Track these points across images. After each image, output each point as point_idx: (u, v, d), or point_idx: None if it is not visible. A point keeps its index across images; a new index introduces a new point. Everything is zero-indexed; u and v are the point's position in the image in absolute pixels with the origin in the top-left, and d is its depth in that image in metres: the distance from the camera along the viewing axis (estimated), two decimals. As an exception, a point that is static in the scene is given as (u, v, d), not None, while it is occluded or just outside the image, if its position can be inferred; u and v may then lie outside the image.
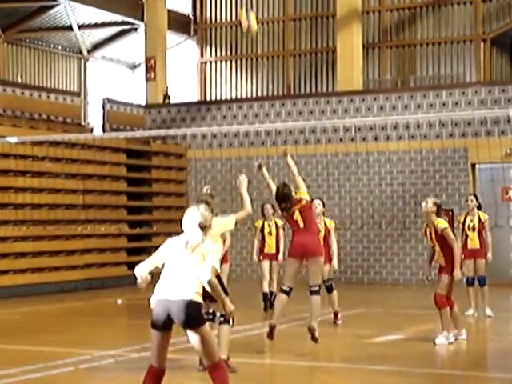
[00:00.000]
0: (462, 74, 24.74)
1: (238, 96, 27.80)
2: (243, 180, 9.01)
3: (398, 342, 12.10)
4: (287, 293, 10.85)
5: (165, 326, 6.10)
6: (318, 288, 10.86)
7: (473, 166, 21.20)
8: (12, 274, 18.46)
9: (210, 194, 9.50)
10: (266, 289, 15.49)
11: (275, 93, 27.03)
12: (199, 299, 6.22)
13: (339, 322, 13.01)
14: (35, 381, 8.62)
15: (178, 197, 24.13)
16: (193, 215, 6.24)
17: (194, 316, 6.05)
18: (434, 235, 11.47)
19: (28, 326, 14.36)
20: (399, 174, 22.16)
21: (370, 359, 10.11)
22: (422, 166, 21.79)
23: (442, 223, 11.35)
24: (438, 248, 11.53)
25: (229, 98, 27.67)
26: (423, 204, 11.77)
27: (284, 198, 9.98)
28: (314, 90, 26.61)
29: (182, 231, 6.46)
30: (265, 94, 27.31)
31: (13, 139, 15.91)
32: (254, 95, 27.42)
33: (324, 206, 13.51)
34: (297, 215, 10.95)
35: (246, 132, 23.37)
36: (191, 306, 6.04)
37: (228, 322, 9.07)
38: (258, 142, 23.41)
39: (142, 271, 6.22)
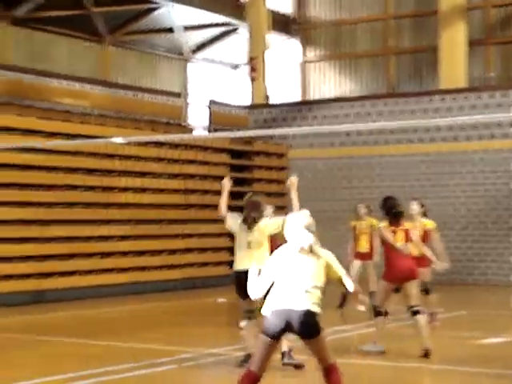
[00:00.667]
0: None
1: (340, 95, 27.54)
2: (295, 181, 8.67)
3: (501, 344, 11.69)
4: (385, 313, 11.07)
5: (279, 335, 6.16)
6: (420, 308, 10.68)
7: None
8: (116, 272, 18.94)
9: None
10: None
11: (377, 92, 26.68)
12: (318, 309, 6.20)
13: (437, 323, 12.56)
14: (140, 378, 8.75)
15: (278, 197, 23.30)
16: (300, 219, 6.24)
17: (314, 326, 6.10)
18: None
19: (130, 323, 14.61)
20: (504, 173, 21.49)
21: (472, 361, 9.91)
22: None
23: None
24: None
25: (330, 97, 27.35)
26: None
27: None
28: (416, 88, 26.21)
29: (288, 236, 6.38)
30: (366, 93, 26.98)
31: (118, 140, 16.28)
32: (356, 94, 27.12)
33: (423, 206, 13.13)
34: (401, 237, 10.75)
35: (347, 132, 23.27)
36: (312, 316, 6.08)
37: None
38: (360, 141, 23.34)
39: (258, 294, 6.26)
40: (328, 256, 6.29)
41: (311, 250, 6.15)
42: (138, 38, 27.00)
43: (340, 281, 6.21)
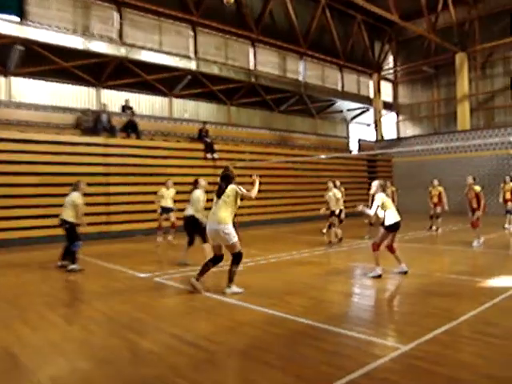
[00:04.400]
0: None
1: (413, 134, 28.86)
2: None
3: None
4: None
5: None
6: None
7: None
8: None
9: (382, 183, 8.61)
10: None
11: (429, 132, 28.57)
12: None
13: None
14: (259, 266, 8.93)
15: (386, 179, 23.73)
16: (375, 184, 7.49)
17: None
18: (473, 194, 11.60)
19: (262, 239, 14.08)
20: (485, 166, 22.78)
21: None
22: (499, 161, 22.41)
23: (477, 188, 11.69)
24: (474, 200, 11.67)
25: (408, 135, 28.88)
26: (467, 179, 11.97)
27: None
28: (447, 129, 27.57)
29: None
30: (423, 133, 28.78)
31: (323, 156, 17.92)
32: (419, 134, 28.57)
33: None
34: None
35: (416, 149, 24.58)
36: None
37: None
38: (421, 153, 24.80)
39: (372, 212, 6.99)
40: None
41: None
42: (329, 115, 27.85)
43: None
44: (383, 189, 8.22)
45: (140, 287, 7.75)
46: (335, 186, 13.23)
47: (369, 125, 31.11)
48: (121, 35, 18.21)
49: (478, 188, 11.93)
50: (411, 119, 30.91)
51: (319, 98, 26.42)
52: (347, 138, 29.23)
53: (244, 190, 6.95)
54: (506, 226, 15.50)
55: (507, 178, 15.97)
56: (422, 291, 7.08)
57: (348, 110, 29.20)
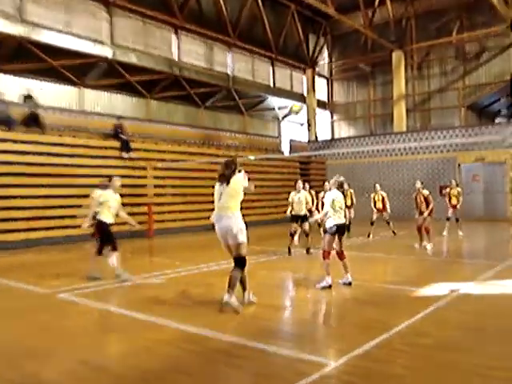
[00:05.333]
0: (453, 122, 26.23)
1: (348, 136, 29.48)
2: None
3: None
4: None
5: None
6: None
7: (459, 165, 23.10)
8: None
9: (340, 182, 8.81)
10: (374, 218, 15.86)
11: (366, 133, 28.98)
12: None
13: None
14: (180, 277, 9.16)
15: (319, 182, 21.35)
16: (332, 183, 7.66)
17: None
18: (422, 198, 12.48)
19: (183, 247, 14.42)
20: (418, 172, 24.04)
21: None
22: (434, 165, 23.76)
23: (426, 192, 12.57)
24: (423, 204, 12.48)
25: (344, 136, 29.69)
26: (415, 184, 12.87)
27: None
28: (383, 131, 28.33)
29: None
30: (360, 134, 29.27)
31: (251, 157, 17.90)
32: (355, 135, 29.09)
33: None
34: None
35: (351, 151, 25.40)
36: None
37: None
38: (356, 156, 25.78)
39: (320, 216, 7.25)
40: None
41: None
42: (259, 113, 28.13)
43: None
44: (340, 186, 8.13)
45: (41, 306, 7.45)
46: (304, 188, 13.32)
47: (302, 124, 31.33)
48: (20, 11, 17.02)
49: (426, 192, 12.59)
50: (346, 119, 31.37)
51: (249, 94, 26.30)
52: (279, 137, 29.37)
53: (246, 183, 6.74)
54: (445, 233, 15.97)
55: (453, 182, 16.38)
56: (356, 302, 7.23)
57: (280, 108, 29.17)
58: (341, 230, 7.98)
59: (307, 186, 14.06)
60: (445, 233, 15.95)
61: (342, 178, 8.15)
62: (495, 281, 8.34)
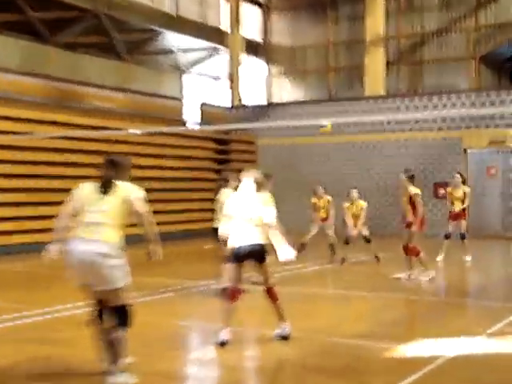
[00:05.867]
0: (458, 84, 28.00)
1: (294, 100, 31.17)
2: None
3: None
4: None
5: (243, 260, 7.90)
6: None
7: (465, 150, 24.61)
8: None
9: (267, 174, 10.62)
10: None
11: (320, 97, 30.57)
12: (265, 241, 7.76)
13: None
14: (145, 303, 10.57)
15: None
16: (250, 176, 8.17)
17: (261, 254, 7.75)
18: (407, 199, 13.26)
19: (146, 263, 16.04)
20: (410, 157, 25.27)
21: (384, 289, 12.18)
22: (428, 150, 25.17)
23: (414, 190, 13.22)
24: (408, 207, 13.31)
25: (287, 101, 31.16)
26: (399, 176, 13.62)
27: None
28: (349, 95, 29.82)
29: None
30: (313, 98, 30.85)
31: (134, 131, 19.57)
32: (306, 99, 30.84)
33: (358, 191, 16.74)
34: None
35: (297, 126, 26.40)
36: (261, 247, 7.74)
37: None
38: (308, 133, 26.36)
39: (224, 231, 8.07)
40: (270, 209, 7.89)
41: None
42: (148, 58, 29.46)
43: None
44: (262, 184, 8.63)
45: None
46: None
47: (219, 78, 32.18)
48: None
49: (413, 190, 12.90)
50: (291, 73, 31.84)
51: (133, 26, 26.67)
52: (181, 99, 29.63)
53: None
54: (440, 258, 16.68)
55: (456, 178, 16.97)
56: (296, 367, 7.40)
57: (184, 51, 29.78)
58: (237, 255, 8.24)
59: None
60: (440, 257, 16.55)
61: (265, 173, 8.93)
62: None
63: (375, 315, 10.39)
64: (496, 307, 10.90)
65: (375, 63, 27.74)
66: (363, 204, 16.87)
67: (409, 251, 13.30)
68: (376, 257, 16.79)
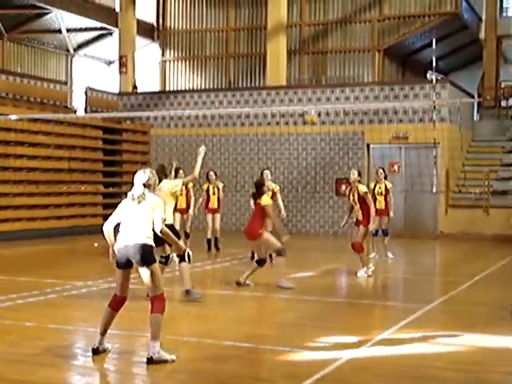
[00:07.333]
0: (362, 75, 28.49)
1: (191, 88, 31.40)
2: (202, 150, 10.33)
3: (309, 277, 14.30)
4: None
5: (126, 265, 7.28)
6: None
7: (368, 145, 24.67)
8: (11, 222, 20.97)
9: (178, 167, 11.59)
10: (209, 235, 17.86)
11: (219, 86, 30.91)
12: (150, 242, 7.24)
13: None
14: (29, 304, 10.57)
15: (142, 164, 25.61)
16: (139, 175, 7.44)
17: (146, 256, 7.11)
18: (356, 197, 13.58)
19: (25, 262, 16.20)
20: (312, 151, 25.70)
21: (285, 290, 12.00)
22: (329, 144, 25.12)
23: (364, 188, 13.67)
24: (357, 207, 13.65)
25: (183, 88, 31.31)
26: (350, 174, 13.87)
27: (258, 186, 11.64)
28: (249, 84, 30.53)
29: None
30: (211, 86, 31.24)
31: (13, 117, 19.61)
32: (203, 87, 31.24)
33: (271, 174, 16.19)
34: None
35: (196, 115, 26.54)
36: (144, 249, 7.11)
37: (185, 260, 10.33)
38: (205, 123, 26.94)
39: (109, 226, 7.34)
40: (154, 201, 7.31)
41: (143, 200, 7.25)
42: (32, 37, 29.03)
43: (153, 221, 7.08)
44: (158, 178, 8.29)
45: None
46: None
47: (111, 62, 32.29)
48: None
49: (364, 188, 13.23)
50: (188, 59, 32.06)
51: (13, 1, 26.77)
52: (68, 83, 28.91)
53: None
54: (373, 254, 16.82)
55: (380, 172, 17.07)
56: (188, 372, 7.23)
57: (71, 31, 29.79)
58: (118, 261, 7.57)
59: None
60: (373, 254, 16.83)
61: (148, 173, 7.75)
62: (406, 334, 8.88)
63: (271, 317, 10.53)
64: (397, 308, 11.28)
65: (277, 52, 27.25)
66: (275, 187, 16.41)
67: (356, 248, 13.65)
68: (270, 256, 15.77)
